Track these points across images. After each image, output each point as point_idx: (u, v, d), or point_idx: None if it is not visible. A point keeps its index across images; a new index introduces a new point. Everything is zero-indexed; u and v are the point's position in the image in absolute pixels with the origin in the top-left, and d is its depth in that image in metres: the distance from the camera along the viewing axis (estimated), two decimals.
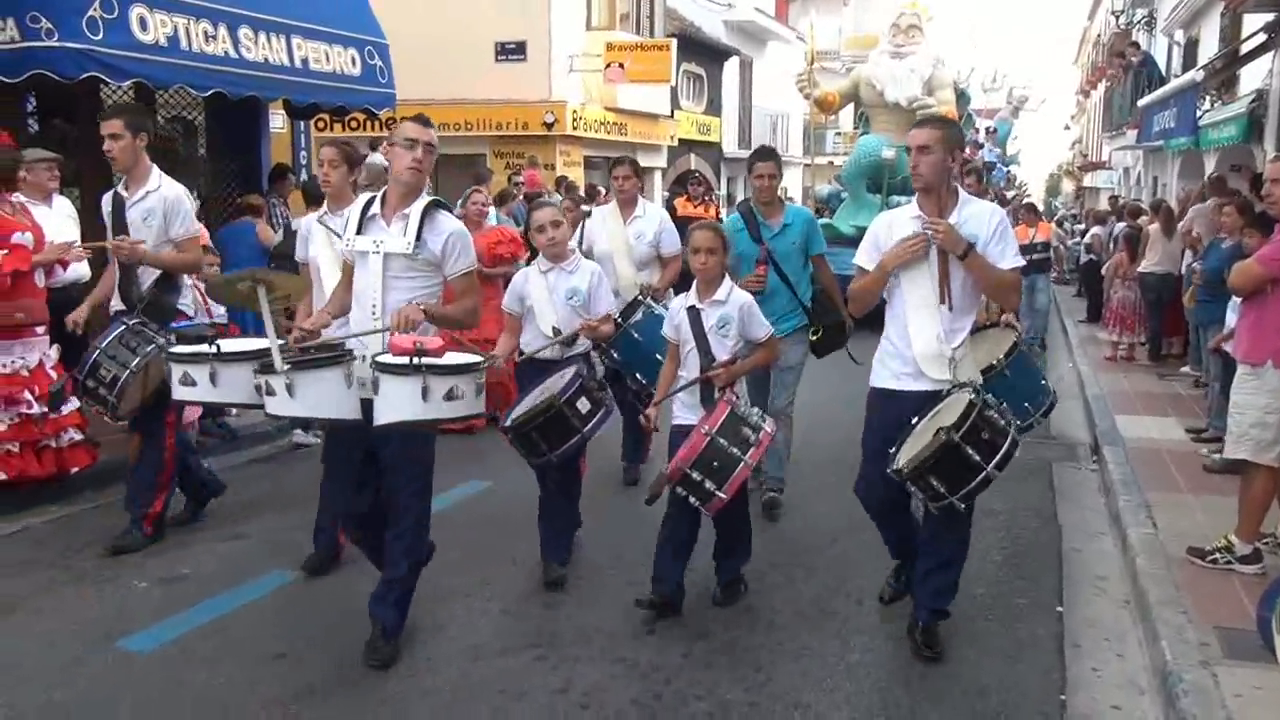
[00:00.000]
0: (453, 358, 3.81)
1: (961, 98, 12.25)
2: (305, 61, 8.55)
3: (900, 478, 3.88)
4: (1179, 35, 20.24)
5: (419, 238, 3.98)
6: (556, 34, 17.31)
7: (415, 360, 3.61)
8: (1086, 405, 9.27)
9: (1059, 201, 49.99)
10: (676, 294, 4.93)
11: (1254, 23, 11.95)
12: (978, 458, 3.76)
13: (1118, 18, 26.20)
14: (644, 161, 21.50)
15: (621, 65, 17.86)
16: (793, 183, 26.41)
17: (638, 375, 5.37)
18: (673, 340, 4.65)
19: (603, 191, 16.58)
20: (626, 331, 5.43)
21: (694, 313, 4.50)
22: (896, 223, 4.19)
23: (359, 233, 4.08)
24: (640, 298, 5.86)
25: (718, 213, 15.34)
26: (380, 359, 3.71)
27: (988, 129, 17.94)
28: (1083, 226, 22.61)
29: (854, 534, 5.37)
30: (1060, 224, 28.06)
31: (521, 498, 5.41)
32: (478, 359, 3.89)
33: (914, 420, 4.05)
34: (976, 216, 4.06)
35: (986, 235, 4.02)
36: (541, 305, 5.02)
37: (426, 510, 4.19)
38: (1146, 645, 4.35)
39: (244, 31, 7.90)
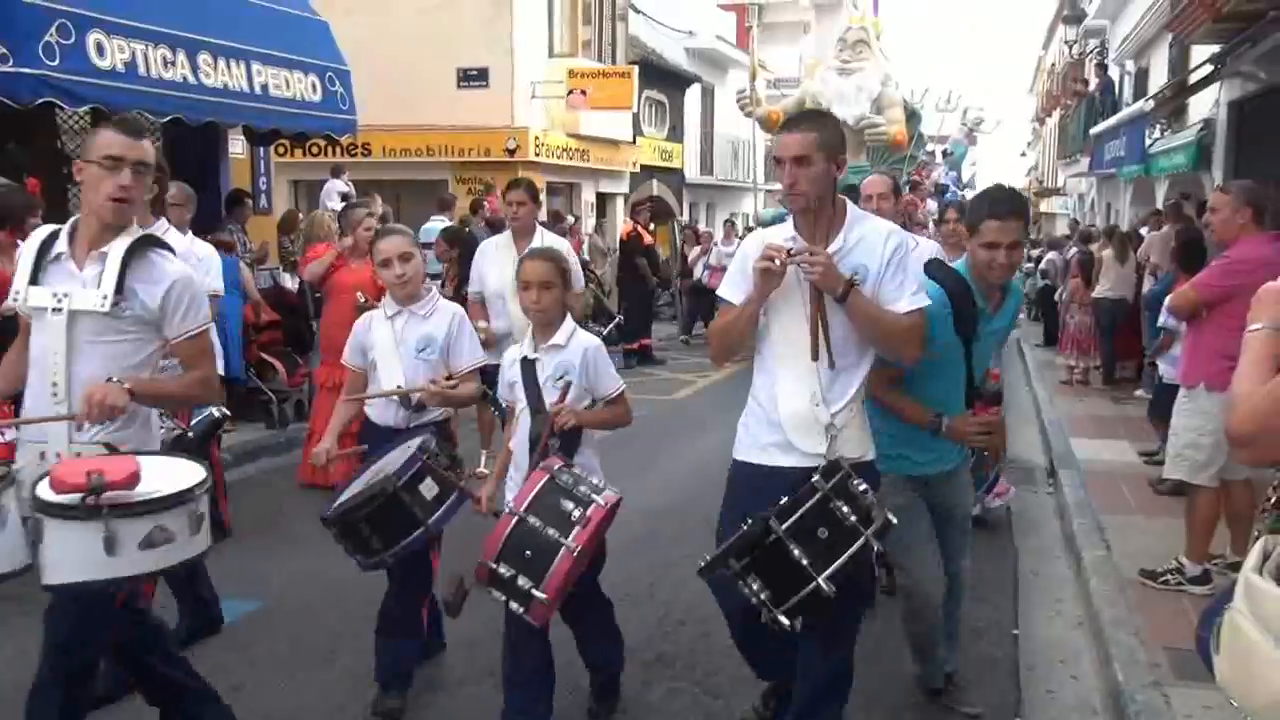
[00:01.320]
0: (155, 482, 2.64)
1: (913, 117, 11.52)
2: (265, 87, 8.53)
3: (701, 575, 3.05)
4: (1129, 65, 20.69)
5: (120, 289, 2.97)
6: (519, 61, 17.38)
7: (90, 498, 2.50)
8: (1043, 429, 9.40)
9: None
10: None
11: (1201, 53, 12.24)
12: (805, 561, 2.82)
13: (1070, 47, 26.70)
14: (606, 188, 21.62)
15: (584, 92, 17.95)
16: (751, 209, 26.62)
17: None
18: (508, 401, 3.81)
19: (571, 219, 16.69)
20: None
21: (528, 365, 3.66)
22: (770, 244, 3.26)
23: (33, 281, 3.02)
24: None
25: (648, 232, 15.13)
26: (41, 493, 2.58)
27: (944, 151, 18.12)
28: (1039, 252, 22.95)
29: None
30: None
31: None
32: (193, 482, 2.71)
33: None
34: (867, 241, 3.12)
35: (878, 266, 3.09)
36: (386, 359, 3.99)
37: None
38: (1100, 667, 4.41)
39: (203, 57, 7.88)
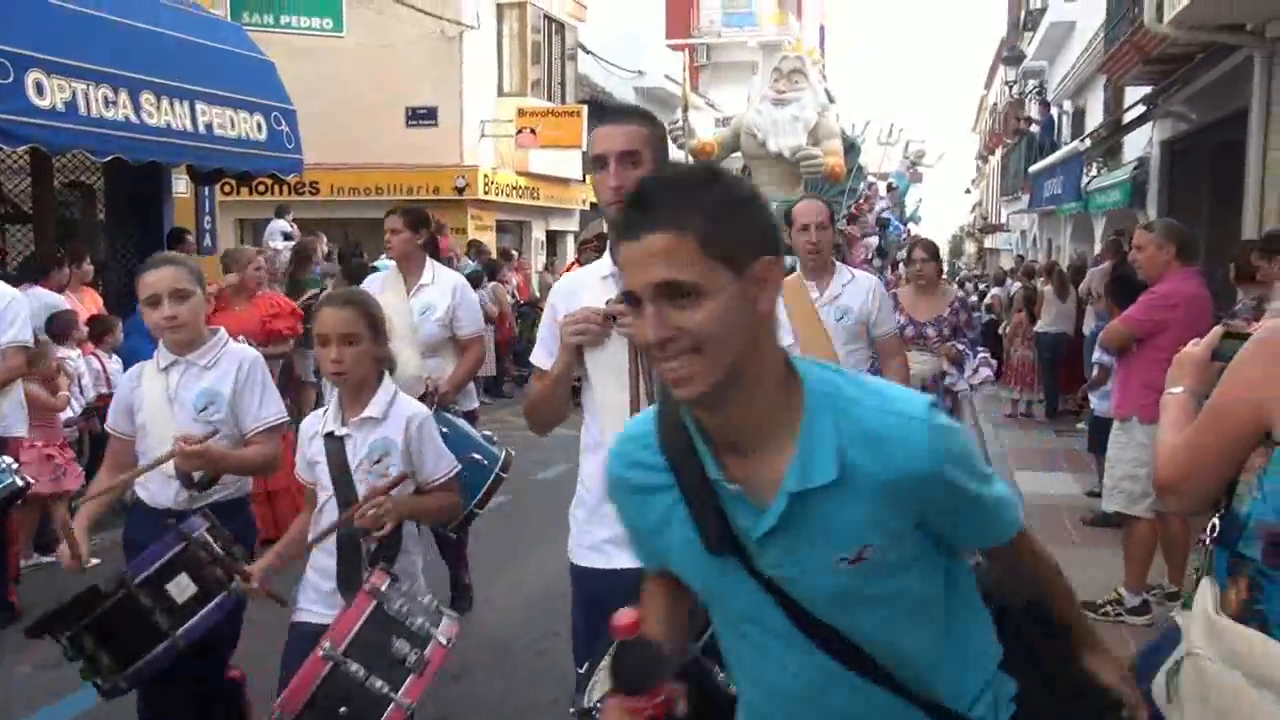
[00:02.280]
0: None
1: (851, 149, 11.03)
2: (209, 127, 8.47)
3: None
4: (1067, 105, 21.25)
5: None
6: (468, 100, 17.45)
7: None
8: (987, 462, 9.50)
9: (962, 262, 51.65)
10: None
11: (1134, 94, 12.62)
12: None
13: (1010, 87, 27.38)
14: (556, 225, 21.71)
15: (533, 131, 18.05)
16: None
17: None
18: (307, 483, 3.02)
19: (516, 255, 16.68)
20: None
21: (335, 444, 2.90)
22: (582, 288, 2.63)
23: None
24: (430, 404, 4.20)
25: None
26: None
27: (888, 184, 18.30)
28: (985, 287, 23.37)
29: None
30: (962, 284, 28.95)
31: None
32: None
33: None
34: None
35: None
36: (157, 421, 3.15)
37: None
38: None
39: (146, 97, 7.81)
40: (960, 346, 5.71)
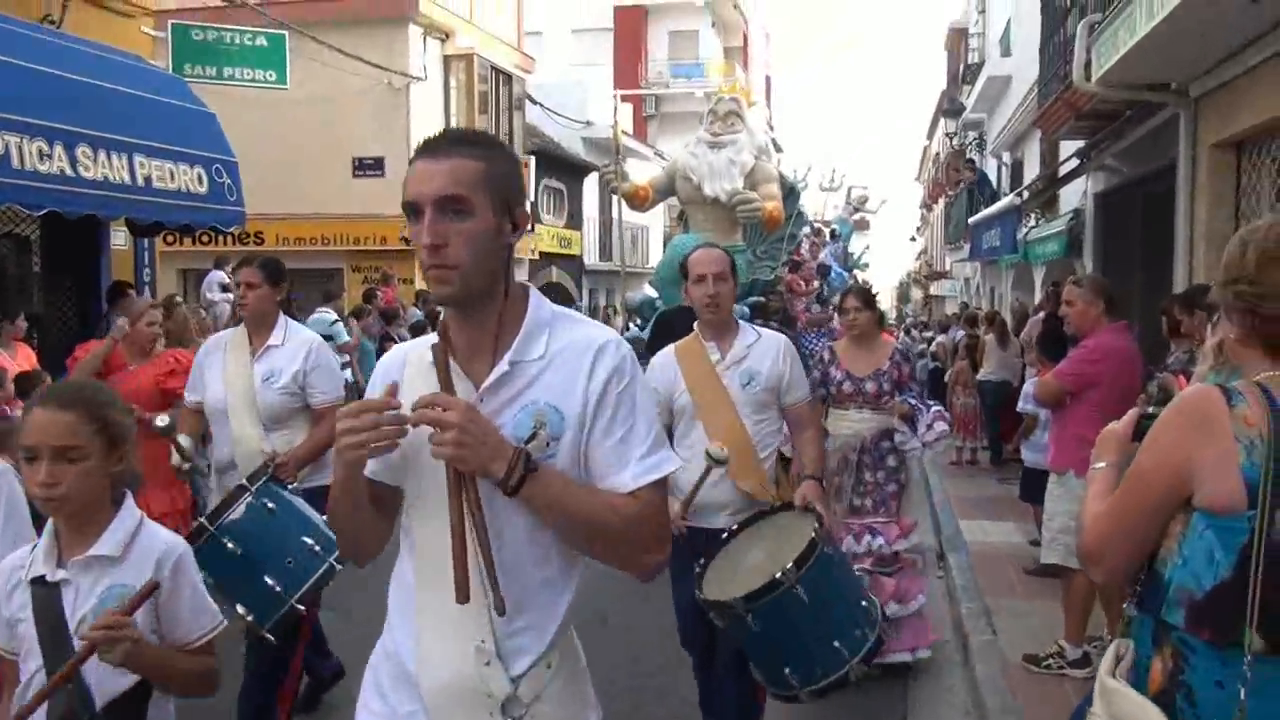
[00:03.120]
0: None
1: (791, 194, 10.63)
2: (149, 179, 8.37)
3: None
4: (1006, 157, 21.74)
5: None
6: (415, 150, 17.45)
7: None
8: (933, 511, 9.58)
9: (909, 308, 52.39)
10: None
11: (1069, 147, 12.93)
12: None
13: (951, 138, 27.99)
14: None
15: None
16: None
17: (240, 608, 3.50)
18: (5, 653, 2.26)
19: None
20: (215, 539, 3.50)
21: (44, 594, 2.18)
22: (411, 362, 1.97)
23: None
24: (262, 475, 3.77)
25: None
26: None
27: (831, 231, 18.23)
28: (931, 334, 23.69)
29: None
30: (908, 331, 29.32)
31: None
32: None
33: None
34: (570, 353, 1.86)
35: (587, 405, 1.83)
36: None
37: None
38: None
39: (82, 150, 7.71)
40: (913, 402, 5.29)
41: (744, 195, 9.78)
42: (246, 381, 4.17)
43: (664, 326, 7.34)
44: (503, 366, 1.83)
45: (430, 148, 1.86)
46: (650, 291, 10.86)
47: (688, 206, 10.71)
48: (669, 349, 3.93)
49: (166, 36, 11.98)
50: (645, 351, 5.21)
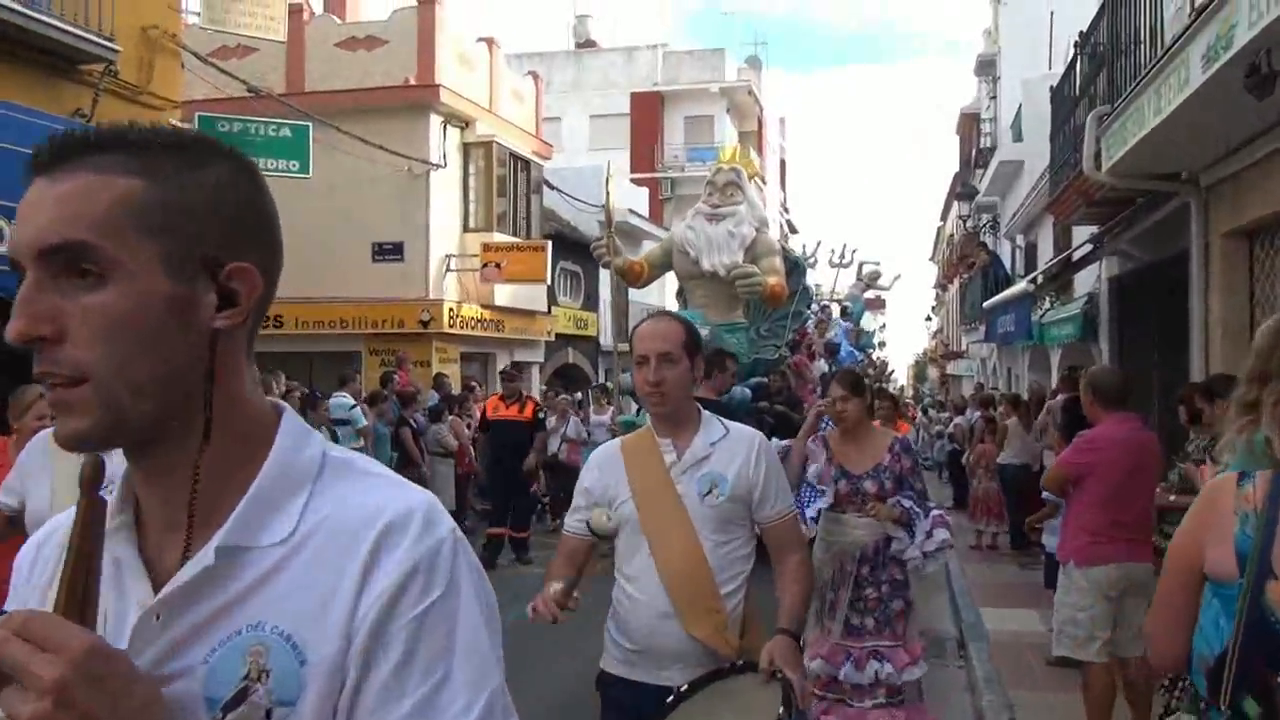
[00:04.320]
0: None
1: (796, 268, 10.25)
2: None
3: None
4: (1019, 240, 21.86)
5: None
6: (434, 235, 17.69)
7: None
8: (953, 598, 9.45)
9: (926, 388, 52.26)
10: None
11: (1082, 233, 13.02)
12: None
13: (965, 221, 28.20)
14: (521, 356, 21.80)
15: (498, 265, 18.27)
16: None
17: None
18: None
19: (478, 387, 16.68)
20: None
21: None
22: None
23: None
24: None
25: (534, 413, 12.09)
26: None
27: (844, 309, 18.04)
28: (947, 414, 23.61)
29: None
30: (925, 411, 29.22)
31: None
32: None
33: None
34: (335, 539, 1.01)
35: (353, 638, 0.97)
36: None
37: None
38: None
39: None
40: (906, 504, 4.57)
41: (744, 269, 9.39)
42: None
43: None
44: (204, 558, 0.98)
45: (44, 156, 0.98)
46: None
47: (685, 282, 10.31)
48: (614, 443, 3.11)
49: (193, 127, 12.29)
50: None
